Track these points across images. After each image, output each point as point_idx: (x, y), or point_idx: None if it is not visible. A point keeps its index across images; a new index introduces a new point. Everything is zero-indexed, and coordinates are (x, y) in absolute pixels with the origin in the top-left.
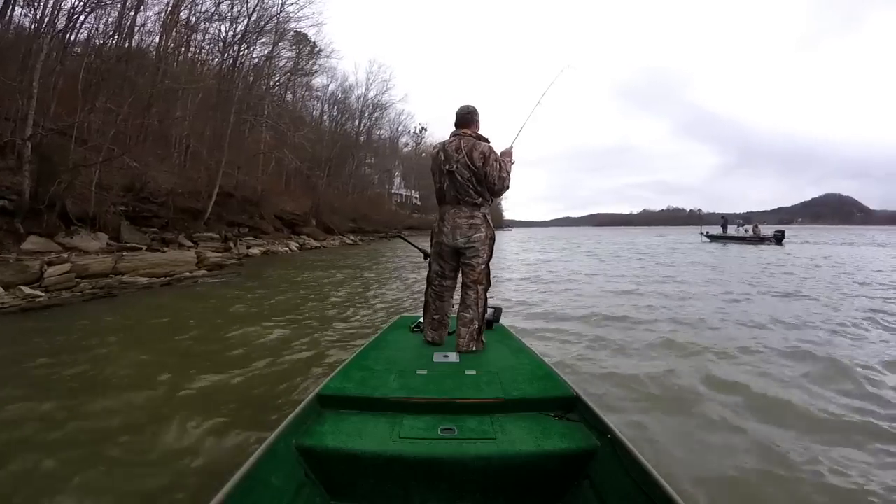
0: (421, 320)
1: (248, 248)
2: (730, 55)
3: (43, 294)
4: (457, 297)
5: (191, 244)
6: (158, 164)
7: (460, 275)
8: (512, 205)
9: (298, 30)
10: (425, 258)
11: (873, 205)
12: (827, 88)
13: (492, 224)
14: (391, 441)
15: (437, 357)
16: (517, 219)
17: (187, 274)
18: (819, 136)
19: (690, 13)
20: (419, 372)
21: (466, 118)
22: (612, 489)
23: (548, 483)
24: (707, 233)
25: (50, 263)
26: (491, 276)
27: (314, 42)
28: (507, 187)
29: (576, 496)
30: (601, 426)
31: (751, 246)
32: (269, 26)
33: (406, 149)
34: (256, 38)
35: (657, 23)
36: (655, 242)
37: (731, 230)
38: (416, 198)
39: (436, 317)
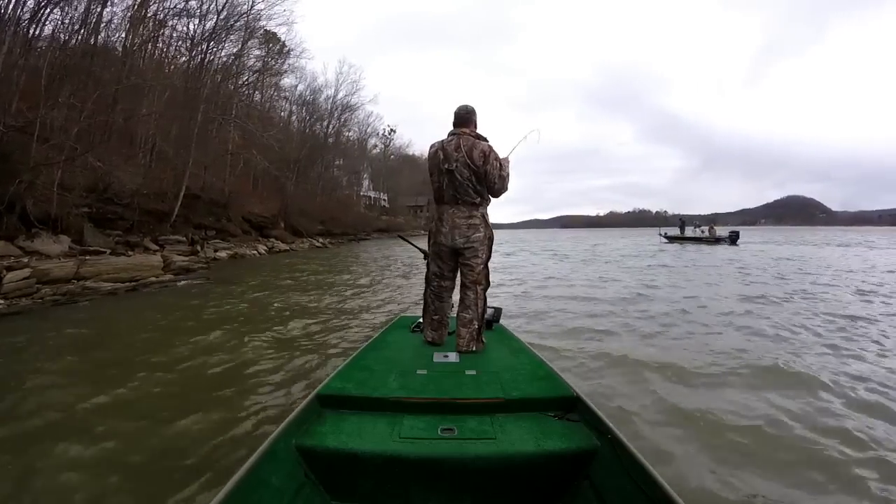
0: (421, 320)
1: (216, 251)
2: (694, 61)
3: (1, 301)
4: (456, 296)
5: (157, 248)
6: (123, 164)
7: (458, 275)
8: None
9: (268, 29)
10: (425, 258)
11: (835, 206)
12: (789, 94)
13: (490, 224)
14: (391, 441)
15: (437, 357)
16: None
17: (153, 279)
18: (781, 141)
19: (656, 18)
20: (419, 372)
21: (465, 118)
22: (612, 489)
23: (548, 483)
24: (665, 234)
25: (9, 268)
26: (490, 277)
27: (283, 41)
28: (507, 188)
29: (576, 496)
30: (601, 426)
31: (707, 246)
32: (238, 24)
33: (374, 150)
34: (225, 36)
35: (621, 26)
36: (621, 244)
37: (689, 231)
38: (384, 200)
39: (435, 317)
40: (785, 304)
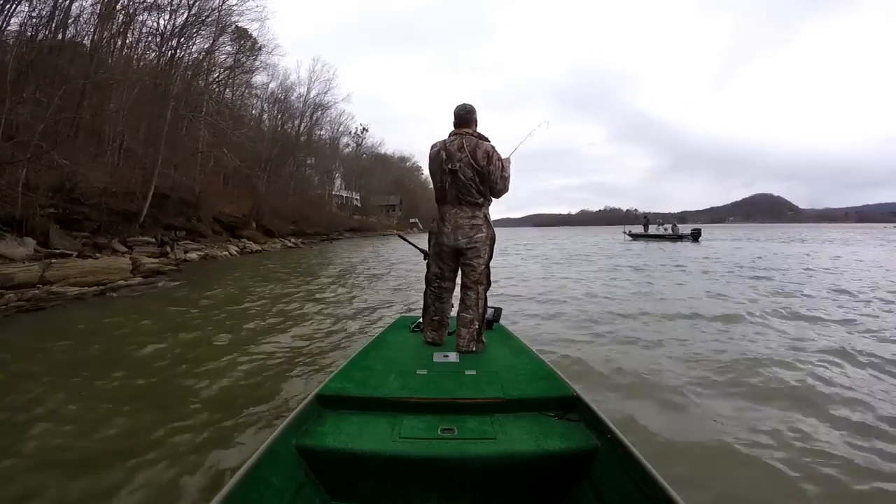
0: (421, 320)
1: (186, 252)
2: (664, 62)
3: None
4: (455, 296)
5: (125, 249)
6: (90, 163)
7: (458, 275)
8: None
9: (240, 25)
10: (424, 258)
11: (802, 204)
12: (757, 95)
13: (492, 224)
14: (391, 441)
15: (437, 357)
16: None
17: (122, 282)
18: (750, 140)
19: (627, 18)
20: (419, 372)
21: (466, 118)
22: (612, 489)
23: (548, 483)
24: (630, 232)
25: None
26: (491, 277)
27: (255, 38)
28: (507, 189)
29: (576, 496)
30: (601, 426)
31: (669, 243)
32: (210, 19)
33: (347, 150)
34: (196, 32)
35: (592, 27)
36: (591, 241)
37: (652, 229)
38: (356, 199)
39: (435, 318)
40: (726, 292)
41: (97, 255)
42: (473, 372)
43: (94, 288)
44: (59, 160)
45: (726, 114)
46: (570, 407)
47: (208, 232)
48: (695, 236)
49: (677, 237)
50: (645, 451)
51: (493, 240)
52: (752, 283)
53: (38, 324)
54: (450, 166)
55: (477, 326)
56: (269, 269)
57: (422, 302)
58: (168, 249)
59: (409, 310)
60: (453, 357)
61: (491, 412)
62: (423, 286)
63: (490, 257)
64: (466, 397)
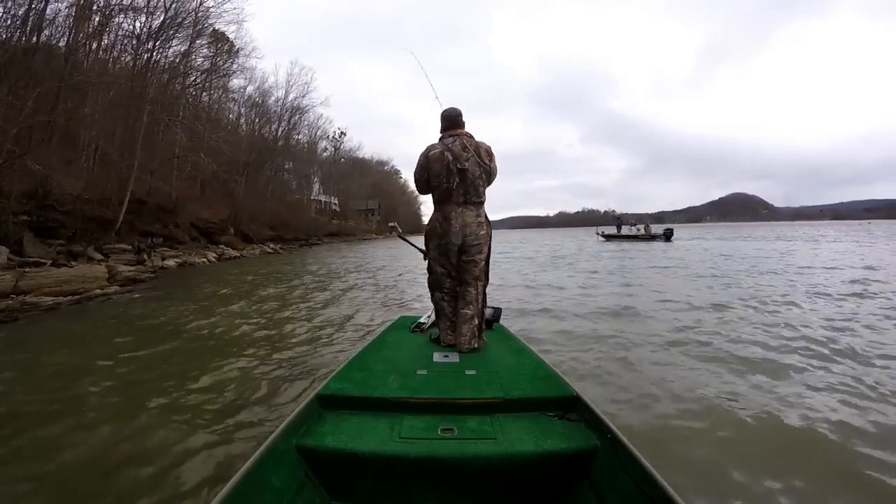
0: (421, 320)
1: (163, 259)
2: (640, 63)
3: None
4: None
5: (101, 257)
6: (64, 168)
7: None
8: (429, 209)
9: (217, 28)
10: (424, 258)
11: (777, 202)
12: (732, 96)
13: (490, 222)
14: (391, 441)
15: (437, 357)
16: None
17: (98, 291)
18: (725, 141)
19: (603, 21)
20: (419, 372)
21: (459, 120)
22: (612, 489)
23: (548, 483)
24: (603, 233)
25: None
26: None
27: (232, 41)
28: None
29: (576, 496)
30: (601, 426)
31: (642, 243)
32: (187, 21)
33: (325, 154)
34: (173, 34)
35: (568, 29)
36: (569, 243)
37: (625, 230)
38: (335, 204)
39: (453, 318)
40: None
41: (72, 263)
42: (473, 372)
43: (70, 297)
44: (33, 165)
45: (702, 115)
46: (570, 407)
47: (186, 238)
48: (667, 236)
49: (650, 237)
50: (645, 451)
51: (490, 237)
52: (707, 282)
53: (12, 334)
54: (458, 166)
55: (477, 322)
56: (249, 276)
57: (412, 303)
58: (145, 257)
59: (403, 307)
60: (453, 357)
61: (491, 412)
62: (419, 291)
63: (489, 254)
64: (466, 397)
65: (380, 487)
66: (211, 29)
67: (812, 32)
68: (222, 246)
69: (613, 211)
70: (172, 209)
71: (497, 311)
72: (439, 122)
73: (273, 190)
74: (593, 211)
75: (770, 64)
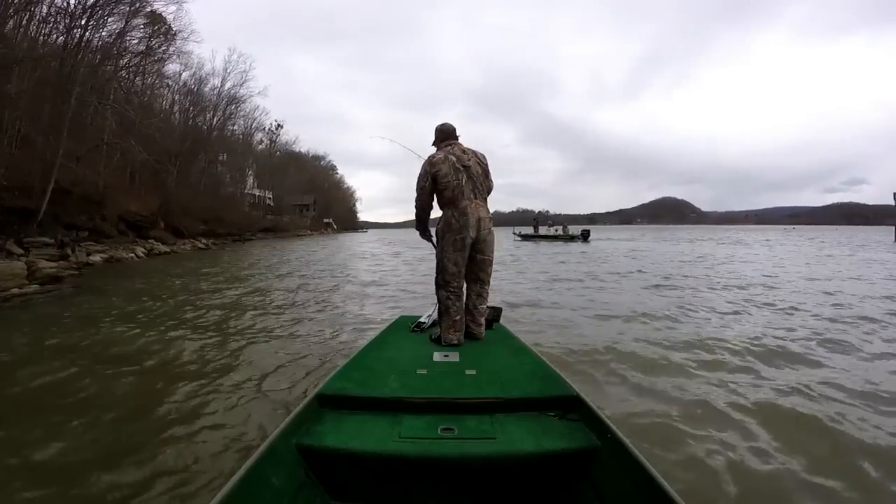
0: (421, 320)
1: (89, 255)
2: (578, 67)
3: None
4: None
5: (21, 252)
6: None
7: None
8: (364, 206)
9: (156, 8)
10: (435, 247)
11: (705, 207)
12: (664, 103)
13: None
14: (391, 441)
15: (438, 356)
16: (371, 220)
17: (16, 290)
18: (657, 146)
19: (543, 23)
20: (419, 371)
21: (454, 132)
22: (612, 489)
23: (548, 483)
24: (519, 233)
25: None
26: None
27: (169, 24)
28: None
29: (576, 496)
30: (601, 426)
31: (560, 243)
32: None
33: (260, 146)
34: (109, 12)
35: (507, 28)
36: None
37: (543, 230)
38: (269, 198)
39: (457, 318)
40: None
41: None
42: (473, 371)
43: None
44: None
45: (637, 120)
46: (570, 407)
47: (113, 232)
48: (585, 237)
49: (569, 238)
50: (645, 451)
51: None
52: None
53: None
54: (463, 164)
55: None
56: (181, 274)
57: (405, 304)
58: (69, 252)
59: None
60: (453, 356)
61: (491, 412)
62: (413, 293)
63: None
64: (466, 397)
65: (380, 487)
66: (149, 8)
67: (747, 46)
68: (152, 241)
69: (547, 211)
70: (100, 200)
71: (497, 311)
72: (434, 136)
73: (206, 183)
74: (528, 211)
75: (704, 74)
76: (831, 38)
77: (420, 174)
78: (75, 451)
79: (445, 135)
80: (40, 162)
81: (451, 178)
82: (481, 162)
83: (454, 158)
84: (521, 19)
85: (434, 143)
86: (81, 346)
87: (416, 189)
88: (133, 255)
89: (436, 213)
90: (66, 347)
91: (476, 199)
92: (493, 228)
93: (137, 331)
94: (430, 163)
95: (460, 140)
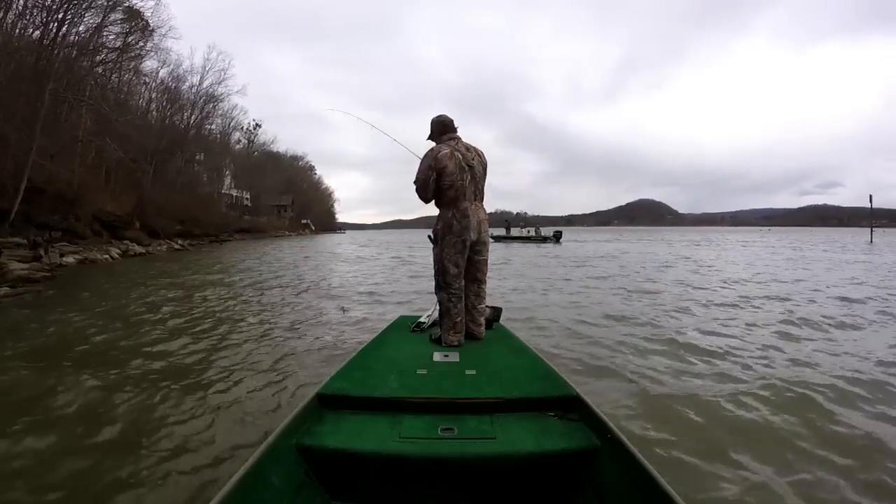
0: (421, 320)
1: (62, 256)
2: (556, 69)
3: None
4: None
5: None
6: None
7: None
8: (343, 207)
9: (133, 4)
10: (434, 244)
11: (682, 209)
12: (643, 105)
13: None
14: (391, 441)
15: (438, 357)
16: (349, 221)
17: None
18: (635, 149)
19: (523, 25)
20: (419, 371)
21: (454, 126)
22: (612, 489)
23: (548, 483)
24: (491, 234)
25: None
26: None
27: (147, 20)
28: None
29: (576, 496)
30: (601, 426)
31: (533, 244)
32: None
33: (238, 146)
34: (86, 6)
35: (485, 27)
36: None
37: (515, 231)
38: (247, 199)
39: (458, 319)
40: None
41: None
42: (473, 371)
43: None
44: None
45: (615, 123)
46: (570, 407)
47: (87, 232)
48: (557, 238)
49: (542, 239)
50: (645, 451)
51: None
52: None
53: None
54: (468, 163)
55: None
56: (156, 275)
57: (400, 304)
58: (42, 253)
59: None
60: (453, 356)
61: (491, 412)
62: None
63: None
64: (466, 397)
65: (380, 487)
66: (126, 3)
67: (726, 50)
68: (127, 241)
69: (525, 213)
70: (73, 199)
71: (497, 311)
72: (429, 128)
73: (183, 182)
74: (506, 212)
75: (682, 77)
76: (810, 43)
77: (421, 167)
78: (52, 462)
79: (445, 127)
80: (13, 159)
81: (457, 178)
82: (483, 161)
83: (460, 156)
84: (500, 19)
85: (430, 137)
86: (53, 351)
87: (417, 182)
88: (108, 256)
89: (433, 210)
90: (37, 352)
91: (476, 199)
92: (489, 230)
93: (114, 334)
94: (434, 157)
95: (458, 133)
